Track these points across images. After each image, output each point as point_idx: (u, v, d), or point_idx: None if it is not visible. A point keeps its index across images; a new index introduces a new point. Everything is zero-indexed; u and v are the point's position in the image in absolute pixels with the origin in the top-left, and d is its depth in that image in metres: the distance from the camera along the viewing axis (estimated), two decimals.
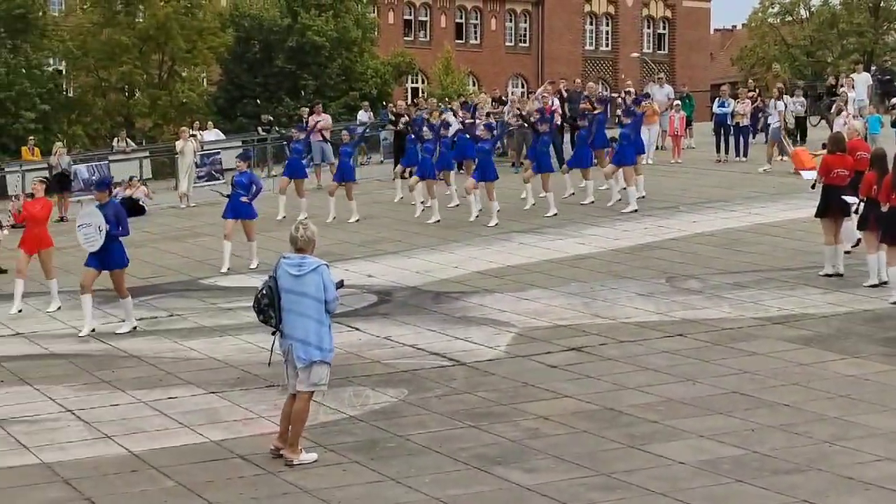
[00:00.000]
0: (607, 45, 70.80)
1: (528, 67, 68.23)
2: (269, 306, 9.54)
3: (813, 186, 17.02)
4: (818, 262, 16.40)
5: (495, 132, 24.25)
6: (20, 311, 16.94)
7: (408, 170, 25.62)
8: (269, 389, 12.03)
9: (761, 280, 16.29)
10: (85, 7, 48.34)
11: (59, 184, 29.33)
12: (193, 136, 31.74)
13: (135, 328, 15.29)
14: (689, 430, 10.02)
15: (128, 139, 36.87)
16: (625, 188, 22.67)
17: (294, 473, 9.39)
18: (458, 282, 17.24)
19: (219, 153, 32.50)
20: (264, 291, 9.57)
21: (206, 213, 22.25)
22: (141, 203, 28.32)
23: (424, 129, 24.30)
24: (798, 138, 30.37)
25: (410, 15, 65.17)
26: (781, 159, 27.65)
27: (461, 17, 66.86)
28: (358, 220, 22.69)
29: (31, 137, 36.54)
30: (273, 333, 9.70)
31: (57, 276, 17.45)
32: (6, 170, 32.16)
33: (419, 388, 11.87)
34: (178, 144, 31.14)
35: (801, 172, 24.55)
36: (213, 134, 37.02)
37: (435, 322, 14.81)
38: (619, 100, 26.79)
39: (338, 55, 50.29)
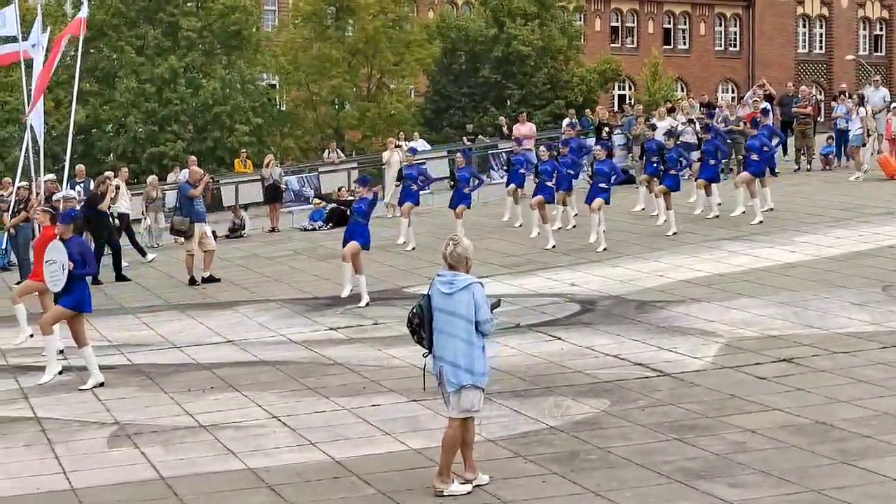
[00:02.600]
0: (821, 47, 68.85)
1: (738, 72, 66.88)
2: (420, 326, 9.12)
3: None
4: None
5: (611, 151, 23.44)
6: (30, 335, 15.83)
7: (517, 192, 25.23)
8: None
9: None
10: (296, 23, 49.48)
11: (271, 195, 30.09)
12: (399, 146, 32.11)
13: (101, 384, 13.54)
14: None
15: (338, 150, 37.58)
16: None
17: (493, 484, 9.30)
18: (663, 290, 16.92)
19: (424, 163, 32.74)
20: (415, 310, 9.19)
21: (413, 223, 22.47)
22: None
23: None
24: None
25: (617, 21, 64.63)
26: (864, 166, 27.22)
27: (669, 23, 65.99)
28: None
29: (244, 150, 37.59)
30: (425, 355, 9.26)
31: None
32: (221, 182, 33.13)
33: (622, 398, 11.65)
34: (385, 155, 31.59)
35: None
36: (419, 144, 37.38)
37: (639, 332, 14.55)
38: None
39: (543, 64, 50.21)
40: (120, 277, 21.97)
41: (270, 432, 11.32)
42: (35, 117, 22.66)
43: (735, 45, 67.50)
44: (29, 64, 24.05)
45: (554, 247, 21.05)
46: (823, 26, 69.02)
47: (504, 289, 17.97)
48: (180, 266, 21.66)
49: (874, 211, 21.90)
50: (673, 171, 22.27)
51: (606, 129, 30.22)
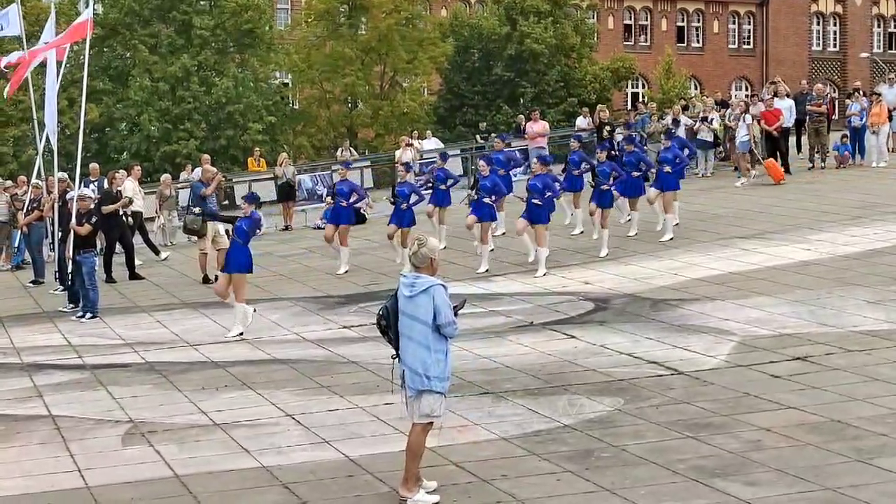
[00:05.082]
0: (835, 45, 68.66)
1: (752, 70, 66.72)
2: (388, 328, 8.94)
3: None
4: None
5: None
6: None
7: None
8: (484, 396, 12.00)
9: None
10: (309, 21, 49.51)
11: (284, 194, 30.10)
12: (410, 145, 32.11)
13: None
14: None
15: (351, 149, 37.61)
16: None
17: (507, 482, 9.30)
18: (678, 289, 16.88)
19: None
20: (381, 312, 9.02)
21: (426, 222, 22.38)
22: (362, 211, 28.75)
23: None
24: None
25: (631, 19, 64.51)
26: (751, 171, 27.44)
27: (683, 21, 65.84)
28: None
29: (257, 149, 37.64)
30: (393, 357, 9.11)
31: None
32: (234, 180, 33.17)
33: (636, 397, 11.63)
34: (398, 153, 31.59)
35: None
36: (432, 142, 37.42)
37: (653, 330, 14.52)
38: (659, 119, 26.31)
39: (556, 62, 50.19)
40: (133, 276, 22.00)
41: (284, 430, 11.33)
42: (48, 116, 22.66)
43: (749, 43, 67.34)
44: (42, 63, 24.06)
45: (487, 270, 19.37)
46: (837, 24, 68.83)
47: (518, 287, 17.99)
48: (194, 264, 21.68)
49: (889, 209, 21.80)
50: (605, 187, 20.27)
51: (608, 128, 30.06)
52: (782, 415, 10.66)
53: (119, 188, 22.74)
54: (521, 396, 11.91)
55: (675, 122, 26.41)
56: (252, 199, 17.41)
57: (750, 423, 10.44)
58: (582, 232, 22.17)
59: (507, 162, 23.43)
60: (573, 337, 14.48)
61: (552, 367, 13.11)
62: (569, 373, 12.77)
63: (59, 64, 23.11)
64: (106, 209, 21.65)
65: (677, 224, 21.17)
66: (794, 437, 9.96)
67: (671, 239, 20.54)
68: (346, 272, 20.45)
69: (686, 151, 22.94)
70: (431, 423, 9.03)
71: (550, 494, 8.99)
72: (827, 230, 20.32)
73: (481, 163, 21.11)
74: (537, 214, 19.03)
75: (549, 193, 19.19)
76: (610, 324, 15.09)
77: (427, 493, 9.01)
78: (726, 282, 17.01)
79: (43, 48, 23.52)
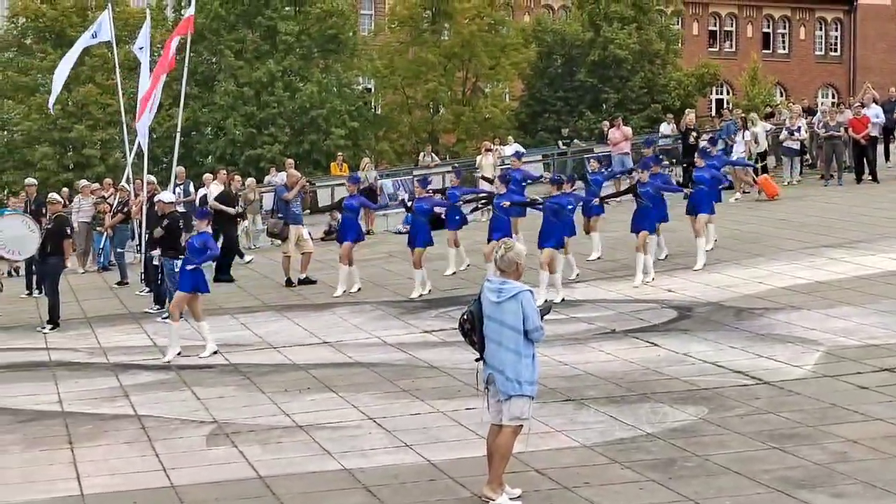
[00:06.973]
0: None
1: (838, 77, 65.86)
2: (471, 331, 8.98)
3: None
4: None
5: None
6: None
7: None
8: (566, 403, 11.96)
9: None
10: (393, 27, 49.69)
11: (367, 198, 30.24)
12: (489, 150, 32.09)
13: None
14: None
15: (432, 154, 37.66)
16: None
17: (590, 489, 9.27)
18: (763, 297, 16.70)
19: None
20: (466, 316, 9.04)
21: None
22: (443, 217, 28.76)
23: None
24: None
25: (716, 26, 63.98)
26: (743, 190, 27.32)
27: (768, 27, 65.15)
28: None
29: (340, 153, 37.83)
30: (477, 360, 9.14)
31: None
32: (317, 185, 33.39)
33: (720, 406, 11.52)
34: (478, 159, 31.60)
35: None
36: (513, 148, 37.34)
37: (737, 339, 14.37)
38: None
39: (640, 68, 49.88)
40: (218, 279, 22.04)
41: (366, 433, 11.37)
42: (140, 121, 22.98)
43: (836, 50, 66.46)
44: (131, 67, 24.45)
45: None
46: None
47: (601, 294, 17.90)
48: (277, 268, 21.85)
49: None
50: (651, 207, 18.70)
51: (694, 133, 29.76)
52: (869, 426, 10.50)
53: (238, 191, 23.02)
54: (603, 404, 11.85)
55: (713, 140, 25.51)
56: (203, 215, 16.67)
57: (836, 435, 10.30)
58: (600, 257, 20.82)
59: (522, 180, 22.10)
60: (656, 345, 14.38)
61: (635, 374, 13.03)
62: (652, 381, 12.69)
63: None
64: (213, 205, 21.92)
65: (711, 249, 19.99)
66: (882, 450, 9.81)
67: (704, 265, 19.09)
68: (344, 293, 19.59)
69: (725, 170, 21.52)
70: (521, 425, 9.03)
71: (633, 503, 8.93)
72: None
73: (497, 181, 19.94)
74: (554, 240, 17.59)
75: (570, 207, 17.97)
76: (693, 332, 14.96)
77: (511, 499, 9.00)
78: (812, 291, 16.79)
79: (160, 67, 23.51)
